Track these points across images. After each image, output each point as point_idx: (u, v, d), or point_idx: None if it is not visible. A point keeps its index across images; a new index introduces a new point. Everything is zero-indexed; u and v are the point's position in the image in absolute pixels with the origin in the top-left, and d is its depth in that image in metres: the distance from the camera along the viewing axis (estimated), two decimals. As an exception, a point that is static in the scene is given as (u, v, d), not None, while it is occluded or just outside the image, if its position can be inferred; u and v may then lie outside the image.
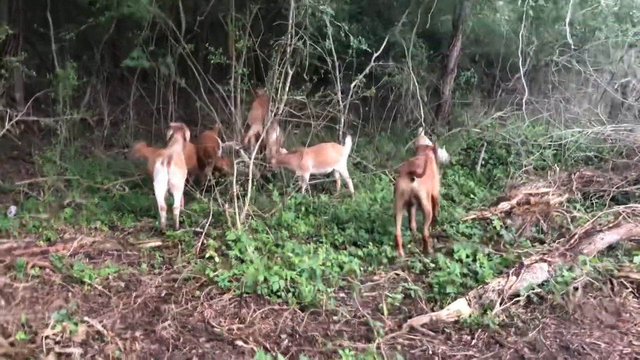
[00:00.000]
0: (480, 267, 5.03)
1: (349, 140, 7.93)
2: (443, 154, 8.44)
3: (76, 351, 3.63)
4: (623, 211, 5.97)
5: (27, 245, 5.44)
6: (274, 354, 3.71)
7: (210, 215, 5.97)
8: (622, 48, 11.56)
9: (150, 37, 8.89)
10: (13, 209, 6.33)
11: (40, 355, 3.52)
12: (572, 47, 10.55)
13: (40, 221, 6.10)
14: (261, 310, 4.34)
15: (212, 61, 7.56)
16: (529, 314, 4.39)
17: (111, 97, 10.83)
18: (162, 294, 4.62)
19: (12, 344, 3.65)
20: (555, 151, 8.99)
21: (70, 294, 4.55)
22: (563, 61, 11.59)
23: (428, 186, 5.54)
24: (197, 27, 8.91)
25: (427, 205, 5.51)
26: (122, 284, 4.80)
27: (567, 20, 9.62)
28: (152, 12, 7.88)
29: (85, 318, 4.03)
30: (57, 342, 3.70)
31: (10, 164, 8.22)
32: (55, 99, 8.21)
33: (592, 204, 7.07)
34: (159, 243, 5.82)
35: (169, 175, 6.03)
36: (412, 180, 5.41)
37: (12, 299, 4.39)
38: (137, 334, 3.97)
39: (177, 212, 6.22)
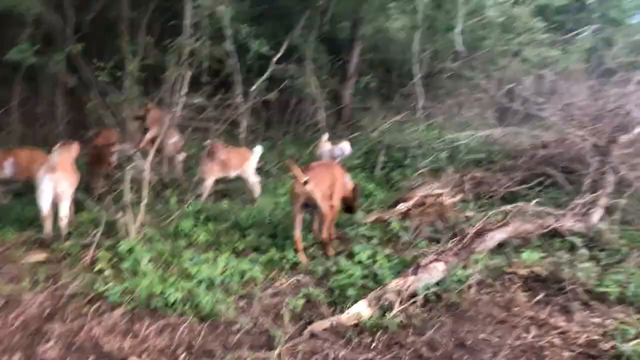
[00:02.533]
0: (380, 268, 5.10)
1: (258, 148, 7.81)
2: (346, 147, 8.52)
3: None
4: (510, 210, 6.31)
5: None
6: (169, 370, 3.53)
7: (102, 225, 5.61)
8: (507, 56, 12.34)
9: (36, 35, 8.28)
10: None
11: None
12: (463, 54, 11.11)
13: None
14: (156, 325, 4.12)
15: (99, 78, 7.11)
16: (427, 314, 4.48)
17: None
18: (46, 313, 4.26)
19: None
20: (448, 154, 9.36)
21: (-63, 317, 4.09)
22: (455, 68, 12.18)
23: (323, 188, 5.53)
24: (89, 26, 8.40)
25: (322, 207, 5.50)
26: (0, 303, 4.38)
27: (458, 29, 10.12)
28: (36, 8, 7.32)
29: (-46, 344, 3.63)
30: None
31: None
32: None
33: (484, 203, 7.42)
34: (43, 256, 5.38)
35: (55, 183, 5.60)
36: (305, 183, 5.38)
37: None
38: (16, 357, 3.64)
39: (64, 222, 5.78)
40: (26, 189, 7.04)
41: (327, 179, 5.67)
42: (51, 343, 3.79)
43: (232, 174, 7.60)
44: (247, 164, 7.62)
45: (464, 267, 4.98)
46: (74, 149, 6.19)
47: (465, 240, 5.58)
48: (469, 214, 6.59)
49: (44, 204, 5.65)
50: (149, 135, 8.04)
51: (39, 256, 5.39)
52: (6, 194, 6.98)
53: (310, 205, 5.57)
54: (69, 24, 7.96)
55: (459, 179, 7.87)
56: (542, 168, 7.77)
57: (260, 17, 11.26)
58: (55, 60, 7.20)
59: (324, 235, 5.61)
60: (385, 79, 15.12)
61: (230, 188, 7.87)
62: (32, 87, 10.56)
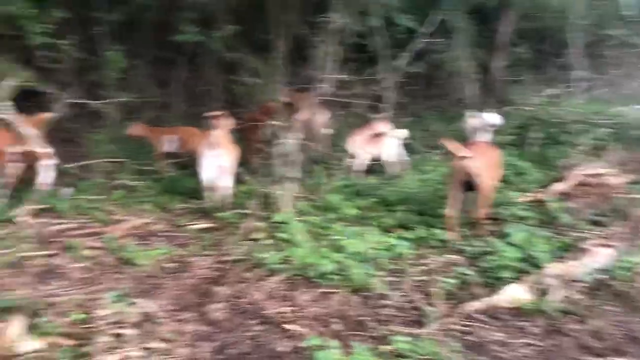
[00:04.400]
0: (537, 251, 4.83)
1: (403, 131, 7.77)
2: (494, 118, 8.13)
3: (130, 332, 3.67)
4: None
5: (80, 226, 5.56)
6: (325, 337, 3.66)
7: (258, 197, 5.95)
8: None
9: (194, 19, 8.86)
10: (67, 190, 6.47)
11: (96, 336, 3.57)
12: (631, 20, 10.00)
13: (92, 203, 6.21)
14: (311, 294, 4.30)
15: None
16: (591, 301, 4.18)
17: (159, 79, 10.92)
18: (213, 276, 4.63)
19: (69, 324, 3.72)
20: (613, 130, 8.56)
21: (122, 275, 4.62)
22: (621, 35, 11.02)
23: (485, 165, 5.33)
24: (243, 8, 8.82)
25: (482, 184, 5.30)
26: (173, 266, 4.84)
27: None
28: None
29: (138, 299, 4.08)
30: (111, 323, 3.75)
31: (62, 145, 8.37)
32: (104, 82, 8.32)
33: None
34: (207, 225, 5.83)
35: (218, 158, 6.04)
36: (466, 158, 5.22)
37: (67, 279, 4.49)
38: (189, 315, 4.00)
39: (225, 193, 6.22)
40: (191, 163, 7.66)
41: (488, 157, 5.47)
42: (219, 304, 4.10)
43: (375, 152, 7.63)
44: (383, 143, 7.59)
45: (634, 254, 4.55)
46: (229, 123, 6.58)
47: (635, 224, 5.10)
48: (638, 196, 5.99)
49: (207, 177, 6.12)
50: (300, 118, 8.24)
51: (204, 224, 5.85)
52: (174, 166, 7.64)
53: (469, 183, 5.40)
54: (224, 7, 8.40)
55: (627, 158, 7.16)
56: None
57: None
58: (213, 39, 7.61)
59: (480, 214, 5.42)
60: (538, 49, 14.13)
61: (375, 164, 7.90)
62: (193, 68, 11.39)
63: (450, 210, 5.42)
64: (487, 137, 8.00)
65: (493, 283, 4.45)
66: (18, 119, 6.05)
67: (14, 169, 5.97)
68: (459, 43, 9.65)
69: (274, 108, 7.70)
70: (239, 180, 6.65)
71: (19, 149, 6.01)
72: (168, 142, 7.55)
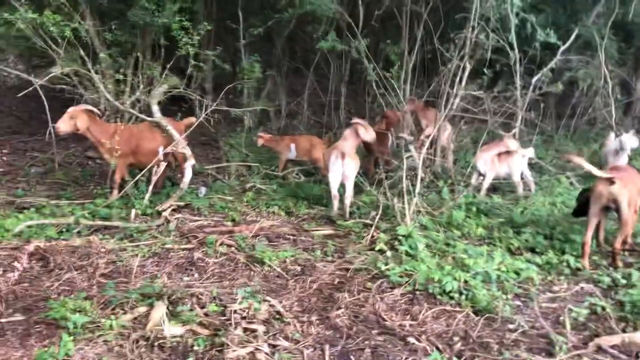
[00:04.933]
0: (682, 288, 4.46)
1: (530, 149, 7.53)
2: (630, 140, 7.58)
3: (260, 328, 3.88)
4: None
5: (215, 224, 5.98)
6: (447, 355, 3.64)
7: (380, 209, 6.03)
8: None
9: (327, 31, 9.18)
10: (204, 189, 6.99)
11: (229, 328, 3.82)
12: None
13: (226, 202, 6.65)
14: (433, 310, 4.28)
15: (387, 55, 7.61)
16: None
17: (288, 89, 11.43)
18: (336, 282, 4.76)
19: (206, 314, 4.02)
20: None
21: (252, 272, 4.89)
22: None
23: (631, 192, 5.00)
24: (374, 20, 8.98)
25: (626, 212, 4.98)
26: (298, 268, 5.04)
27: None
28: (332, 8, 8.11)
29: (267, 297, 4.31)
30: (243, 318, 4.00)
31: (199, 148, 9.07)
32: (240, 90, 8.87)
33: None
34: (331, 231, 6.01)
35: (344, 167, 6.23)
36: (612, 183, 4.93)
37: (204, 272, 4.85)
38: (313, 318, 4.14)
39: (348, 202, 6.39)
40: (316, 170, 7.95)
41: (636, 183, 5.13)
42: (341, 310, 4.22)
43: (502, 170, 7.41)
44: (512, 161, 7.35)
45: None
46: (359, 136, 6.75)
47: None
48: None
49: (334, 185, 6.32)
50: (426, 133, 8.24)
51: (328, 230, 6.04)
52: (300, 173, 7.96)
53: (611, 209, 5.11)
54: (358, 21, 8.61)
55: None
56: None
57: (545, 3, 10.60)
58: (357, 47, 7.83)
59: (618, 243, 5.08)
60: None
61: (501, 183, 7.67)
62: (319, 79, 11.79)
63: (589, 237, 5.14)
64: (624, 160, 7.49)
65: (631, 318, 4.16)
66: (167, 122, 6.63)
67: (162, 168, 6.54)
68: (598, 60, 9.09)
69: (397, 117, 7.78)
70: (360, 189, 6.79)
71: (167, 149, 6.58)
72: (290, 150, 7.92)
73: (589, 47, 9.78)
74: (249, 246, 5.37)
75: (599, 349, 3.77)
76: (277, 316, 4.08)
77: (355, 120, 6.97)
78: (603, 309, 4.28)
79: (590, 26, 9.11)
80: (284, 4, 8.39)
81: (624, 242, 5.31)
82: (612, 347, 3.79)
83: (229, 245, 5.35)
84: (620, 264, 5.14)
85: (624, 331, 4.00)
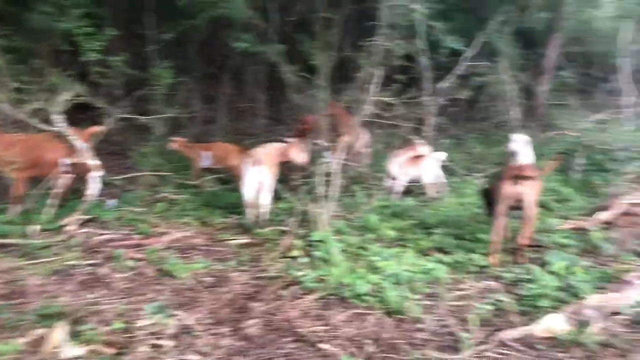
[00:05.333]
0: (577, 280, 4.73)
1: (441, 154, 7.76)
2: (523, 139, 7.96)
3: (168, 343, 3.76)
4: None
5: (124, 237, 5.74)
6: (358, 358, 3.66)
7: (296, 215, 6.02)
8: None
9: (242, 37, 9.09)
10: (112, 201, 6.69)
11: (135, 345, 3.67)
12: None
13: (135, 214, 6.41)
14: (345, 314, 4.32)
15: (305, 61, 7.63)
16: (632, 335, 4.06)
17: (203, 95, 11.21)
18: (249, 291, 4.70)
19: (110, 332, 3.84)
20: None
21: (162, 286, 4.73)
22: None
23: (535, 190, 5.25)
24: (287, 27, 9.00)
25: (531, 210, 5.23)
26: (211, 280, 4.93)
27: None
28: (246, 13, 8.04)
29: (177, 311, 4.18)
30: (150, 334, 3.85)
31: (108, 158, 8.67)
32: (151, 97, 8.60)
33: None
34: (246, 240, 5.93)
35: (259, 175, 6.16)
36: (518, 182, 5.16)
37: (110, 288, 4.64)
38: (225, 329, 4.07)
39: (264, 210, 6.32)
40: (232, 178, 7.83)
41: (537, 181, 5.39)
42: (254, 320, 4.16)
43: (414, 173, 7.61)
44: (424, 165, 7.58)
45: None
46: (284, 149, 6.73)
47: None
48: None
49: (249, 193, 6.24)
50: (344, 140, 8.29)
51: (243, 239, 5.95)
52: (215, 181, 7.81)
53: (517, 208, 5.34)
54: (273, 26, 8.60)
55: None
56: None
57: (451, 12, 11.04)
58: (269, 50, 7.78)
59: (522, 240, 5.32)
60: (585, 73, 13.88)
61: (414, 185, 7.87)
62: (236, 85, 11.66)
63: (496, 235, 5.35)
64: (526, 159, 7.85)
65: (530, 311, 4.37)
66: (70, 132, 6.31)
67: (65, 180, 6.21)
68: (503, 66, 9.57)
69: (314, 122, 7.81)
70: (278, 197, 6.74)
71: (71, 160, 6.25)
72: (204, 158, 7.76)
73: (495, 54, 10.26)
74: (159, 259, 5.19)
75: (502, 343, 3.93)
76: (187, 330, 3.97)
77: (291, 140, 6.91)
78: (505, 304, 4.47)
79: (494, 33, 9.57)
80: (196, 9, 8.22)
81: (528, 239, 5.56)
82: (513, 340, 3.96)
83: (138, 259, 5.16)
84: (523, 260, 5.38)
85: (523, 324, 4.18)
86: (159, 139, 8.11)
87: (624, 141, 8.72)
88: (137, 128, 8.76)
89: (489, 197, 5.73)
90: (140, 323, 3.94)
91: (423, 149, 7.71)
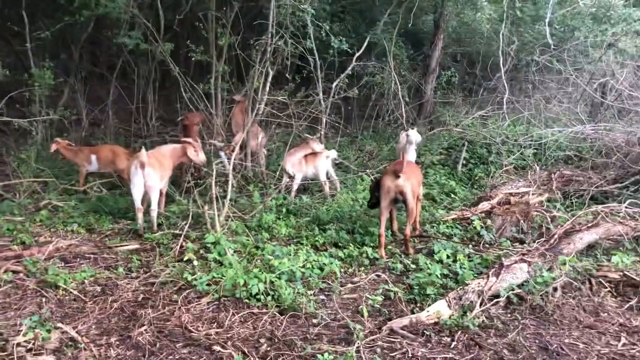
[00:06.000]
0: (461, 268, 5.03)
1: (332, 152, 7.89)
2: (414, 135, 8.34)
3: (49, 359, 3.54)
4: (602, 210, 6.02)
5: (0, 249, 5.33)
6: (252, 358, 3.66)
7: (190, 217, 5.89)
8: (600, 48, 11.68)
9: (130, 35, 8.75)
10: (-13, 211, 6.20)
11: (12, 364, 3.43)
12: (552, 46, 10.63)
13: (14, 224, 5.98)
14: (240, 314, 4.29)
15: (193, 58, 7.51)
16: (509, 315, 4.39)
17: (89, 96, 10.66)
18: (139, 298, 4.53)
19: (-18, 352, 3.55)
20: (535, 150, 9.05)
21: (44, 299, 4.45)
22: (543, 60, 11.66)
23: (414, 184, 5.53)
24: (177, 26, 8.78)
25: (412, 202, 5.50)
26: (98, 289, 4.71)
27: (547, 19, 9.72)
28: (129, 12, 7.75)
29: (59, 324, 3.95)
30: (29, 350, 3.61)
31: (-18, 165, 8.05)
32: (31, 98, 8.06)
33: (572, 203, 7.13)
34: (136, 246, 5.72)
35: (145, 178, 5.94)
36: (397, 177, 5.40)
37: (-17, 305, 4.29)
38: (113, 339, 3.89)
39: (154, 214, 6.12)
40: (120, 183, 7.52)
41: (416, 175, 5.67)
42: (144, 327, 4.02)
43: (309, 171, 7.71)
44: (318, 162, 7.71)
45: (550, 269, 4.83)
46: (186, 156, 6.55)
47: (552, 240, 5.40)
48: (556, 213, 6.34)
49: (137, 197, 6.01)
50: (237, 138, 8.25)
51: (133, 245, 5.73)
52: (101, 187, 7.47)
53: (399, 201, 5.57)
54: (160, 23, 8.36)
55: (547, 177, 7.58)
56: (638, 167, 7.33)
57: (342, 13, 11.33)
58: (163, 47, 7.53)
59: (408, 231, 5.58)
60: (468, 72, 14.77)
61: (309, 183, 7.98)
62: (125, 85, 11.21)
63: (382, 228, 5.56)
64: (413, 155, 8.22)
65: (419, 299, 4.58)
66: None
67: None
68: (391, 66, 9.95)
69: (196, 117, 7.69)
70: (172, 199, 6.57)
71: None
72: (90, 161, 7.41)
73: (384, 54, 10.63)
74: (40, 270, 4.87)
75: (392, 331, 4.08)
76: (71, 343, 3.76)
77: (187, 140, 6.72)
78: (395, 293, 4.65)
79: (380, 34, 9.92)
80: (76, 6, 7.79)
81: (414, 229, 5.86)
82: (403, 328, 4.13)
83: (16, 272, 4.81)
84: (412, 250, 5.64)
85: (412, 312, 4.38)
86: (40, 143, 7.61)
87: (501, 135, 9.36)
88: (16, 132, 8.18)
89: (376, 191, 5.95)
90: (17, 340, 3.67)
91: (317, 146, 7.83)
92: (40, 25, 8.96)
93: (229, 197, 6.10)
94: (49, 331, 3.80)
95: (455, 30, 13.63)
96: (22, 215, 6.29)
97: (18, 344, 3.63)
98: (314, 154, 7.73)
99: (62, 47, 10.60)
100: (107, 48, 11.35)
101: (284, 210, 6.77)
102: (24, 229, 5.85)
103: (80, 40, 10.22)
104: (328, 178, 7.76)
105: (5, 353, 3.56)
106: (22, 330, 3.80)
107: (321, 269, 5.10)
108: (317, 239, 5.90)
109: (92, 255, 5.44)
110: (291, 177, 7.62)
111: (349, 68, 9.02)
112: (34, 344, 3.67)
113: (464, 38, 14.51)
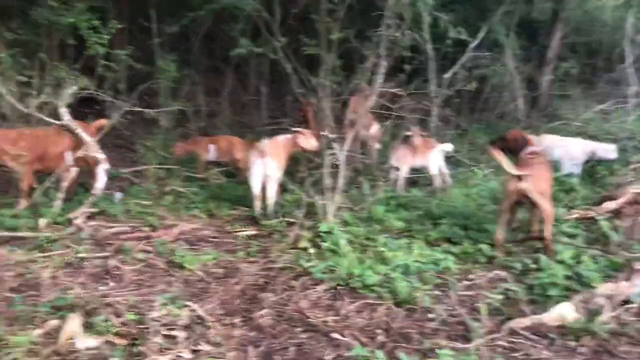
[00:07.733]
0: (586, 270, 4.74)
1: (448, 145, 7.72)
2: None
3: (180, 334, 3.78)
4: None
5: (132, 230, 5.76)
6: (370, 348, 3.69)
7: (303, 206, 6.03)
8: None
9: (246, 30, 9.06)
10: (119, 195, 6.71)
11: (148, 336, 3.69)
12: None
13: (143, 207, 6.42)
14: (355, 304, 4.34)
15: (305, 52, 7.64)
16: (642, 323, 4.09)
17: (207, 88, 11.21)
18: (259, 282, 4.72)
19: (123, 324, 3.86)
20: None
21: (172, 278, 4.76)
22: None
23: (541, 186, 5.21)
24: (292, 19, 8.96)
25: (543, 204, 5.19)
26: (221, 271, 4.96)
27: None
28: (250, 5, 8.01)
29: (188, 302, 4.20)
30: (163, 325, 3.87)
31: (115, 152, 8.70)
32: (156, 90, 8.60)
33: None
34: (254, 232, 5.95)
35: (265, 167, 6.17)
36: (520, 179, 5.13)
37: (121, 280, 4.66)
38: (236, 320, 4.09)
39: (271, 202, 6.34)
40: (237, 171, 7.86)
41: (546, 175, 5.37)
42: (265, 310, 4.18)
43: (418, 163, 7.60)
44: (430, 155, 7.56)
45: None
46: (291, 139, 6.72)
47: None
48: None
49: (255, 185, 6.26)
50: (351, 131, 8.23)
51: (251, 231, 5.97)
52: (220, 175, 7.84)
53: (524, 203, 5.31)
54: (276, 19, 8.57)
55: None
56: None
57: (453, 3, 11.01)
58: (274, 47, 7.75)
59: (547, 233, 5.18)
60: (587, 63, 13.87)
61: (419, 176, 7.87)
62: (239, 78, 11.66)
63: (499, 231, 5.34)
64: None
65: (540, 300, 4.39)
66: (76, 125, 6.31)
67: (71, 173, 6.22)
68: (506, 57, 9.56)
69: (312, 108, 7.80)
70: (285, 189, 6.76)
71: (77, 154, 6.26)
72: (209, 151, 7.80)
73: (499, 45, 10.26)
74: (168, 251, 5.21)
75: (512, 332, 3.95)
76: (199, 321, 3.99)
77: (298, 129, 6.90)
78: (515, 293, 4.49)
79: (497, 24, 9.56)
80: (201, 1, 8.20)
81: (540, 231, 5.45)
82: (524, 328, 3.99)
83: (147, 252, 5.18)
84: (551, 252, 5.19)
85: (534, 313, 4.20)
86: (165, 132, 8.12)
87: (628, 131, 8.72)
88: (143, 121, 8.79)
89: None
90: (152, 314, 3.96)
91: (428, 140, 7.70)
92: (166, 21, 9.51)
93: (340, 187, 6.16)
94: (179, 308, 4.06)
95: (575, 18, 12.84)
96: (149, 199, 6.74)
97: (153, 319, 3.91)
98: (426, 146, 7.59)
99: (182, 41, 11.19)
100: (223, 42, 11.82)
101: (393, 203, 6.73)
102: (152, 213, 6.27)
103: (199, 34, 10.75)
104: (439, 173, 7.60)
105: (143, 326, 3.85)
106: (156, 306, 4.09)
107: (436, 264, 5.02)
108: (429, 233, 5.81)
109: (213, 239, 5.74)
110: (397, 170, 7.54)
111: (463, 58, 8.76)
112: (167, 319, 3.93)
113: (584, 27, 13.65)
